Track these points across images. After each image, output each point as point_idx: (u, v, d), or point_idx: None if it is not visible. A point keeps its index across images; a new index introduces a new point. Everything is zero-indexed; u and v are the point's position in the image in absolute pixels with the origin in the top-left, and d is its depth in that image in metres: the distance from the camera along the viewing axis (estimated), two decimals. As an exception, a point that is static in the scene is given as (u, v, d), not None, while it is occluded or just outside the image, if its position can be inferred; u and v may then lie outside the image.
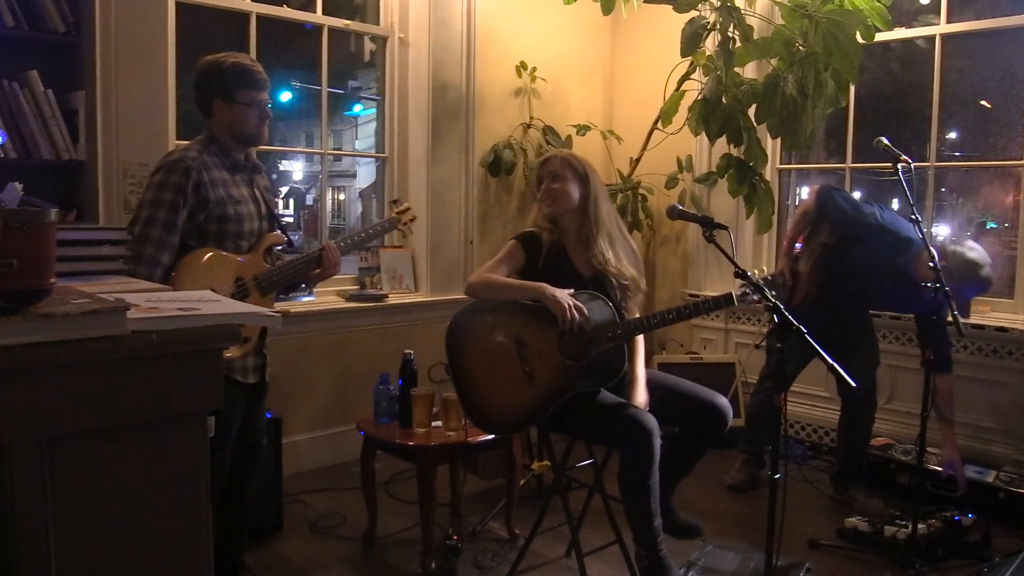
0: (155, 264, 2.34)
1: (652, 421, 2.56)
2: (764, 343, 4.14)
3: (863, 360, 3.57)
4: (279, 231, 2.67)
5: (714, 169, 4.42)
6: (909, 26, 4.32)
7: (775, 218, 4.19)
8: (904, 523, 3.10)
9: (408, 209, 3.08)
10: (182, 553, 1.16)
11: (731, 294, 2.61)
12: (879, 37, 3.92)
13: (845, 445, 3.75)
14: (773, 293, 2.47)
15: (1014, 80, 3.98)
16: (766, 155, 4.07)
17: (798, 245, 3.68)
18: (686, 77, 4.14)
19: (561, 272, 2.76)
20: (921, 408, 2.95)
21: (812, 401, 4.40)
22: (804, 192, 5.30)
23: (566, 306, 2.58)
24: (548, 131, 4.73)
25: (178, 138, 3.64)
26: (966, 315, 3.44)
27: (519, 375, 2.66)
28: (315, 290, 4.12)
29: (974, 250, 3.26)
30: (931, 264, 2.97)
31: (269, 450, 3.22)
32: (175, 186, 2.41)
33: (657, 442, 2.54)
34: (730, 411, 2.74)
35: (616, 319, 2.67)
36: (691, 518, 2.93)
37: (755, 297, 2.52)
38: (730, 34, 3.80)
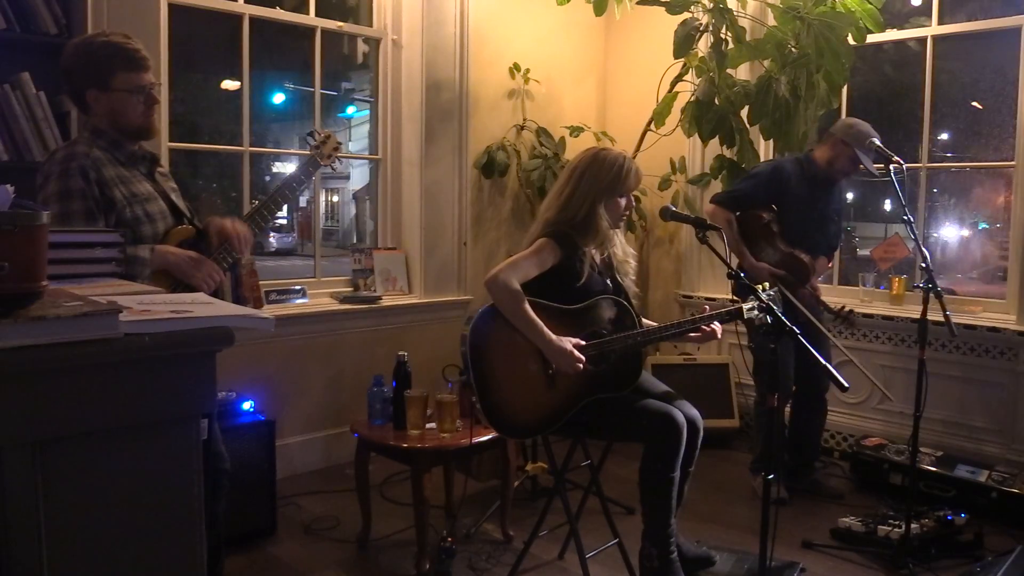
0: None
1: (680, 414, 2.56)
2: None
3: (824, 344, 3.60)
4: (187, 224, 2.34)
5: (707, 170, 4.44)
6: (901, 28, 4.34)
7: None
8: (897, 523, 3.11)
9: (329, 137, 2.69)
10: (176, 556, 1.16)
11: (742, 308, 2.60)
12: (871, 39, 3.93)
13: (803, 437, 3.75)
14: (767, 295, 2.48)
15: (1005, 81, 4.00)
16: (759, 156, 4.08)
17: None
18: (679, 79, 4.15)
19: (593, 275, 2.71)
20: (914, 408, 2.96)
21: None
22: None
23: (575, 363, 2.54)
24: (541, 132, 4.74)
25: (170, 140, 3.64)
26: None
27: (542, 379, 2.60)
28: (308, 292, 4.12)
29: None
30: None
31: (264, 452, 3.23)
32: (80, 192, 2.10)
33: (684, 435, 2.52)
34: (700, 422, 2.68)
35: (636, 325, 2.68)
36: (701, 550, 2.90)
37: (762, 316, 2.50)
38: (722, 36, 3.81)
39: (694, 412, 2.69)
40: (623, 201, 2.73)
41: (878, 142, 3.24)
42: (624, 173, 2.69)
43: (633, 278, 2.84)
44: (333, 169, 2.88)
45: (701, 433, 2.69)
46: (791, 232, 3.60)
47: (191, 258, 2.20)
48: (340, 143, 2.77)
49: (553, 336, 2.54)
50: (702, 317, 2.71)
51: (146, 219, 2.20)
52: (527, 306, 2.54)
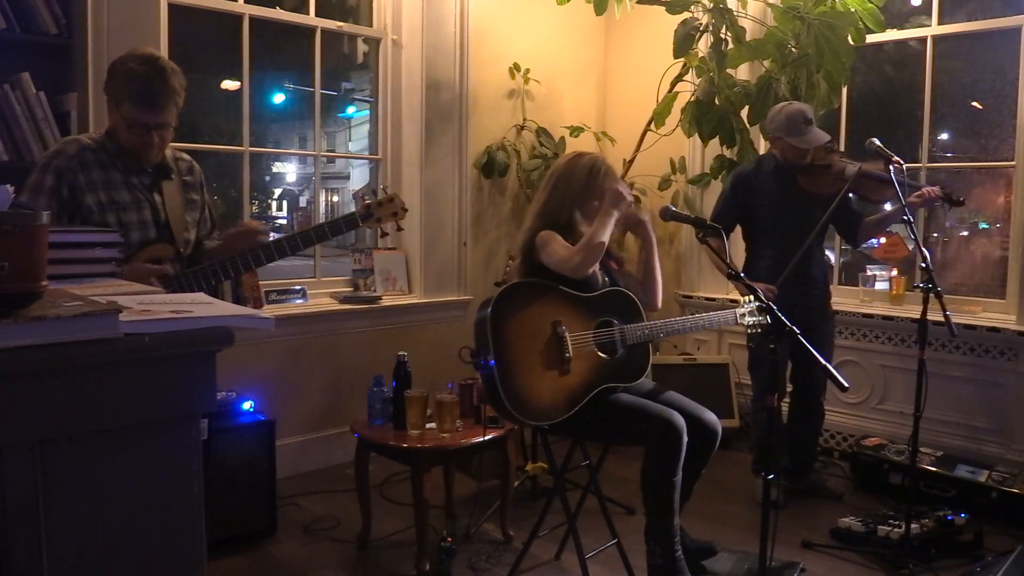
0: None
1: (680, 418, 2.58)
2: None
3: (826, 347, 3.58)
4: (169, 243, 2.36)
5: (707, 170, 4.44)
6: (901, 28, 4.34)
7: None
8: (897, 523, 3.11)
9: (393, 200, 2.64)
10: (176, 556, 1.16)
11: (734, 313, 2.75)
12: (871, 39, 3.93)
13: (800, 438, 3.74)
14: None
15: (1005, 81, 4.00)
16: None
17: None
18: (679, 79, 4.15)
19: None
20: (914, 408, 2.96)
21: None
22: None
23: (627, 198, 2.70)
24: (541, 133, 4.74)
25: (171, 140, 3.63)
26: None
27: (557, 364, 2.65)
28: (308, 292, 4.12)
29: None
30: None
31: (264, 452, 3.22)
32: (48, 191, 2.20)
33: (684, 439, 2.56)
34: (719, 428, 2.75)
35: (642, 317, 2.79)
36: (703, 540, 2.94)
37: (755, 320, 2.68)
38: (723, 36, 3.81)
39: (713, 418, 2.75)
40: (598, 204, 2.75)
41: (878, 142, 3.22)
42: (595, 176, 2.77)
43: (631, 270, 2.97)
44: (384, 234, 2.73)
45: (719, 438, 2.75)
46: (770, 227, 3.58)
47: (137, 271, 2.15)
48: (406, 209, 2.67)
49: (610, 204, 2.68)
50: (702, 316, 2.87)
51: (118, 227, 2.22)
52: (586, 240, 2.63)
